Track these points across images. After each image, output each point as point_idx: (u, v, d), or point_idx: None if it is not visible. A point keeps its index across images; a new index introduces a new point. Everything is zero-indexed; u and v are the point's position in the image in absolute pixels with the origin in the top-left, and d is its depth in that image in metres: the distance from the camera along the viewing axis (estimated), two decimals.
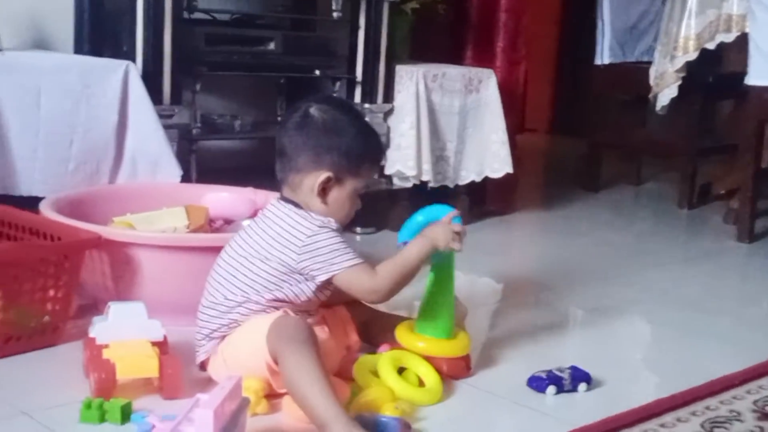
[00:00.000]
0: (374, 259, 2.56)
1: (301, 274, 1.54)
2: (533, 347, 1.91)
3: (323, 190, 1.57)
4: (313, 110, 1.58)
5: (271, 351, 1.45)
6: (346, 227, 2.72)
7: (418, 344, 1.66)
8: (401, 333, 1.69)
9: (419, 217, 1.70)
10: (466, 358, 1.71)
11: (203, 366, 1.59)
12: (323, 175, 1.56)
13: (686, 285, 2.63)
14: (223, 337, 1.56)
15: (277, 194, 1.64)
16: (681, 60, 3.36)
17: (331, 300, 1.70)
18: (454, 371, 1.68)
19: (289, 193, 1.59)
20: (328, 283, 1.56)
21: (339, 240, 1.55)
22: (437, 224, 1.63)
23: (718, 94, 3.79)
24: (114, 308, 1.56)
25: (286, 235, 1.54)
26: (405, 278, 1.58)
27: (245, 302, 1.54)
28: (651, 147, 4.25)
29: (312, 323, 1.58)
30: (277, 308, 1.54)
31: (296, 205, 1.58)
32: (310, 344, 1.43)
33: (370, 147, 1.62)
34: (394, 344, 1.69)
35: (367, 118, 2.73)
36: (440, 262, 1.67)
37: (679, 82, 3.42)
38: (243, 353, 1.50)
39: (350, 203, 1.61)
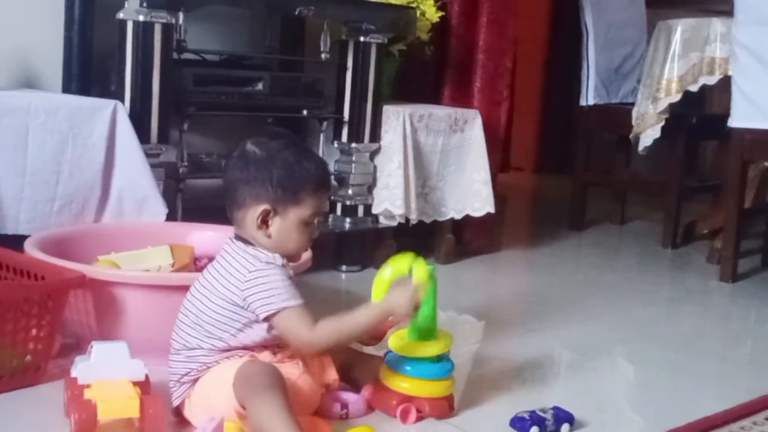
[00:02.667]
0: (359, 298, 2.59)
1: (250, 311, 1.54)
2: (516, 387, 1.92)
3: (264, 223, 1.58)
4: (249, 146, 1.60)
5: (238, 399, 1.46)
6: (331, 265, 2.79)
7: (402, 384, 1.67)
8: (385, 372, 1.70)
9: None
10: (449, 398, 1.72)
11: (178, 411, 1.59)
12: (260, 208, 1.57)
13: (670, 325, 2.64)
14: (195, 380, 1.56)
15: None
16: (664, 102, 3.40)
17: None
18: (437, 411, 1.68)
19: (238, 230, 1.61)
20: (267, 321, 1.55)
21: (281, 278, 1.54)
22: (401, 290, 1.60)
23: (701, 134, 3.84)
24: (96, 348, 1.56)
25: (232, 272, 1.56)
26: (346, 340, 1.59)
27: (204, 345, 1.55)
28: (636, 186, 4.29)
29: (282, 358, 1.60)
30: (242, 346, 1.55)
31: (246, 242, 1.59)
32: (277, 389, 1.43)
33: (306, 174, 1.58)
34: (377, 385, 1.69)
35: (353, 158, 2.81)
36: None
37: (662, 123, 3.45)
38: (213, 399, 1.51)
39: (298, 233, 1.59)
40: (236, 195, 1.59)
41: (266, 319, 1.54)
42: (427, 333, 1.70)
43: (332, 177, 2.87)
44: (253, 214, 1.57)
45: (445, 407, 1.70)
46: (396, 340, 1.71)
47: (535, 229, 4.17)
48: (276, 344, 1.61)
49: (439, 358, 1.71)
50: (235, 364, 1.51)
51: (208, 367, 1.55)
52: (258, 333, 1.56)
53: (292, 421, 1.40)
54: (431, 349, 1.69)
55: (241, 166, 1.59)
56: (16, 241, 1.97)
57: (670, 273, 3.44)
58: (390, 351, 1.72)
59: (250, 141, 1.60)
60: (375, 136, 2.85)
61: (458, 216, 3.04)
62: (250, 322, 1.55)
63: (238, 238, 1.61)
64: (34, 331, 1.68)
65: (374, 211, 2.86)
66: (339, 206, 2.85)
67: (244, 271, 1.55)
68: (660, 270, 3.42)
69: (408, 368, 1.68)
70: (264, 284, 1.53)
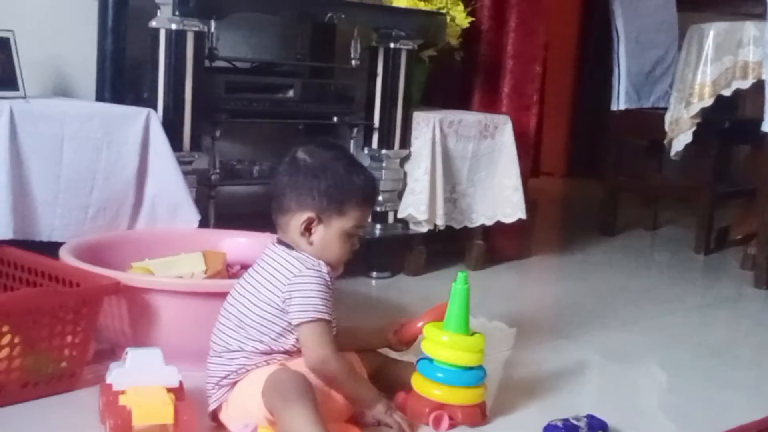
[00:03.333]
0: (389, 304, 2.59)
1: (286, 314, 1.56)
2: (549, 394, 1.91)
3: (307, 231, 1.59)
4: (300, 153, 1.61)
5: (267, 407, 1.46)
6: (361, 271, 2.79)
7: (434, 391, 1.67)
8: (416, 379, 1.70)
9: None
10: (481, 406, 1.71)
11: (214, 415, 1.60)
12: (305, 216, 1.58)
13: (704, 331, 2.62)
14: (233, 384, 1.57)
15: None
16: (697, 106, 3.37)
17: (342, 346, 1.71)
18: (469, 419, 1.68)
19: (282, 235, 1.63)
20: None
21: (322, 288, 1.56)
22: (385, 407, 1.61)
23: (734, 139, 3.80)
24: (131, 354, 1.57)
25: (276, 275, 1.58)
26: (337, 387, 1.57)
27: (246, 347, 1.56)
28: (668, 191, 4.26)
29: None
30: (282, 349, 1.56)
31: (289, 246, 1.60)
32: (306, 398, 1.44)
33: (354, 187, 1.60)
34: (409, 392, 1.69)
35: (383, 164, 2.81)
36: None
37: (695, 128, 3.42)
38: (248, 404, 1.51)
39: (339, 244, 1.61)
40: (283, 200, 1.60)
41: (297, 325, 1.55)
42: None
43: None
44: (297, 220, 1.59)
45: (478, 415, 1.69)
46: (429, 344, 1.70)
47: (565, 235, 4.15)
48: None
49: (472, 366, 1.70)
50: (266, 371, 1.51)
51: (247, 371, 1.56)
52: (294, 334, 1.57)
53: (321, 429, 1.40)
54: (466, 359, 1.68)
55: (291, 172, 1.60)
56: (50, 248, 1.99)
57: (703, 279, 3.41)
58: (422, 357, 1.71)
59: (301, 149, 1.62)
60: (405, 143, 2.85)
61: (489, 222, 3.03)
62: (291, 326, 1.56)
63: (281, 242, 1.62)
64: (69, 338, 1.69)
65: (399, 215, 2.86)
66: None
67: (289, 275, 1.56)
68: (693, 276, 3.39)
69: (440, 375, 1.67)
70: (305, 290, 1.55)
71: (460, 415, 1.66)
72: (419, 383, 1.69)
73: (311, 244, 1.59)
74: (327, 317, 1.55)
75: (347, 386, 1.57)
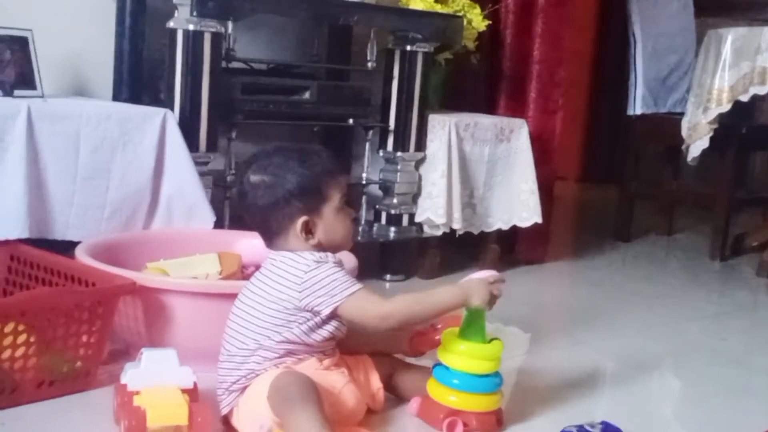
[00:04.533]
0: None
1: (308, 311, 1.55)
2: (564, 401, 1.90)
3: (309, 233, 1.59)
4: (252, 177, 1.60)
5: (273, 411, 1.46)
6: (376, 274, 2.78)
7: (449, 398, 1.65)
8: (432, 385, 1.69)
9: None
10: (497, 413, 1.70)
11: (226, 419, 1.59)
12: (299, 222, 1.58)
13: (719, 339, 2.60)
14: (243, 389, 1.56)
15: None
16: (714, 112, 3.35)
17: (355, 348, 1.71)
18: (484, 426, 1.66)
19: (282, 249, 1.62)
20: (334, 316, 1.56)
21: (337, 270, 1.56)
22: (478, 280, 1.62)
23: (751, 145, 3.78)
24: (146, 355, 1.57)
25: (286, 276, 1.57)
26: (420, 317, 1.60)
27: (258, 350, 1.56)
28: (684, 197, 4.23)
29: (329, 365, 1.60)
30: (291, 352, 1.56)
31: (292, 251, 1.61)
32: (309, 401, 1.43)
33: (318, 170, 1.60)
34: (424, 398, 1.69)
35: (398, 166, 2.80)
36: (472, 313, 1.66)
37: (711, 134, 3.40)
38: (259, 408, 1.50)
39: (339, 223, 1.62)
40: (270, 223, 1.60)
41: (332, 314, 1.55)
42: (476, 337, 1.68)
43: (374, 184, 2.88)
44: (294, 230, 1.59)
45: (493, 422, 1.68)
46: (445, 353, 1.68)
47: (580, 240, 4.13)
48: (322, 351, 1.61)
49: (488, 373, 1.68)
50: (275, 374, 1.51)
51: (257, 375, 1.56)
52: (313, 330, 1.56)
53: (326, 430, 1.40)
54: (483, 367, 1.66)
55: (257, 196, 1.59)
56: (65, 247, 2.00)
57: (719, 286, 3.38)
58: (438, 364, 1.70)
59: (250, 173, 1.60)
60: (420, 145, 2.84)
61: (506, 226, 3.02)
62: (306, 321, 1.55)
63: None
64: (84, 337, 1.70)
65: (417, 219, 2.86)
66: (384, 215, 2.85)
67: (300, 274, 1.56)
68: (708, 283, 3.37)
69: (456, 382, 1.66)
70: (321, 282, 1.54)
71: (475, 421, 1.65)
72: (434, 389, 1.68)
73: (318, 241, 1.60)
74: (355, 287, 1.54)
75: (429, 311, 1.58)
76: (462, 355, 1.65)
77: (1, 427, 1.55)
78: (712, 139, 3.42)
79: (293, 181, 1.58)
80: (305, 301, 1.54)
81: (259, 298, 1.59)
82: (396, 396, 1.74)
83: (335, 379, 1.59)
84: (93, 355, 1.72)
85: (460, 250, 3.03)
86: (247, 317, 1.59)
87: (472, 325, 1.66)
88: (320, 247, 1.60)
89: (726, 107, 3.35)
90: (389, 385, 1.74)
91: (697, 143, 3.43)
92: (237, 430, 1.57)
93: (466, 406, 1.65)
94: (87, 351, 1.71)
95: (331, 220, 1.61)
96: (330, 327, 1.58)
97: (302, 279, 1.55)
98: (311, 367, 1.57)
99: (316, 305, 1.54)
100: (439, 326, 1.78)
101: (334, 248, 1.63)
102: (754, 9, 4.86)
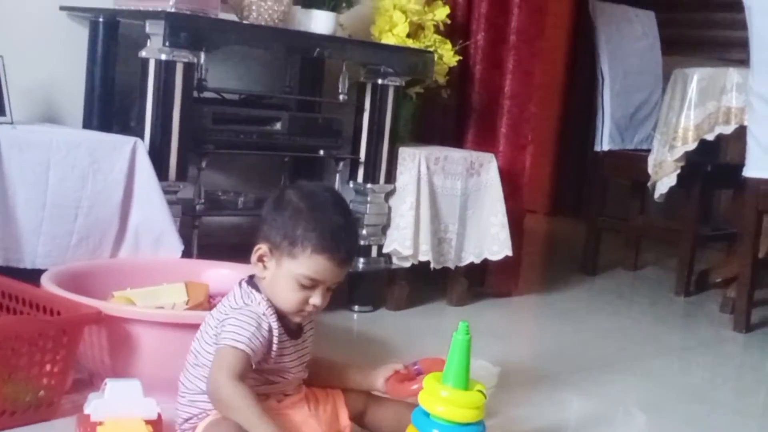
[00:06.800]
0: (370, 338, 2.58)
1: None
2: None
3: (260, 261, 1.57)
4: (287, 191, 1.59)
5: None
6: (343, 305, 2.78)
7: None
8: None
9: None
10: None
11: None
12: (259, 245, 1.57)
13: (684, 375, 2.63)
14: (194, 428, 1.55)
15: None
16: (680, 150, 3.40)
17: (326, 382, 1.70)
18: None
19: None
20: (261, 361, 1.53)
21: (249, 322, 1.51)
22: None
23: (716, 183, 3.83)
24: (110, 385, 1.56)
25: (220, 308, 1.58)
26: (229, 414, 1.45)
27: (202, 393, 1.53)
28: (650, 232, 4.28)
29: (290, 404, 1.59)
30: None
31: (250, 284, 1.60)
32: None
33: (308, 233, 1.52)
34: None
35: (368, 198, 2.82)
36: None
37: (678, 171, 3.45)
38: None
39: (288, 289, 1.54)
40: (258, 230, 1.59)
41: (215, 352, 1.51)
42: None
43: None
44: (254, 249, 1.58)
45: None
46: (427, 397, 1.58)
47: (548, 273, 4.16)
48: (282, 391, 1.60)
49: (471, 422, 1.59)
50: (203, 424, 1.50)
51: (207, 415, 1.54)
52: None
53: None
54: (465, 415, 1.57)
55: (267, 204, 1.60)
56: (32, 275, 1.98)
57: (683, 321, 3.42)
58: (418, 408, 1.60)
59: (290, 188, 1.60)
60: (390, 177, 2.86)
61: (477, 260, 3.03)
62: None
63: (250, 278, 1.62)
64: (48, 366, 1.68)
65: (384, 250, 2.87)
66: None
67: (227, 309, 1.56)
68: (673, 318, 3.40)
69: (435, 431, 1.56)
70: (233, 321, 1.52)
71: None
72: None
73: (264, 278, 1.57)
74: (243, 348, 1.48)
75: (240, 417, 1.43)
76: (443, 402, 1.56)
77: None
78: (678, 176, 3.47)
79: (285, 216, 1.54)
80: (219, 335, 1.52)
81: (203, 333, 1.58)
82: None
83: (294, 417, 1.57)
84: (56, 384, 1.70)
85: (428, 282, 3.04)
86: (194, 351, 1.58)
87: (456, 369, 1.58)
88: (265, 287, 1.57)
89: (692, 146, 3.40)
90: (362, 421, 1.71)
91: (664, 180, 3.48)
92: None
93: None
94: (50, 380, 1.69)
95: (281, 277, 1.54)
96: (257, 375, 1.53)
97: (226, 314, 1.54)
98: (270, 409, 1.51)
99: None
100: (417, 367, 1.71)
101: (274, 302, 1.56)
102: (720, 49, 4.96)
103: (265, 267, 1.56)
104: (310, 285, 1.54)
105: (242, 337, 1.49)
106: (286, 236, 1.53)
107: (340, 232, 1.55)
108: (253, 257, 1.57)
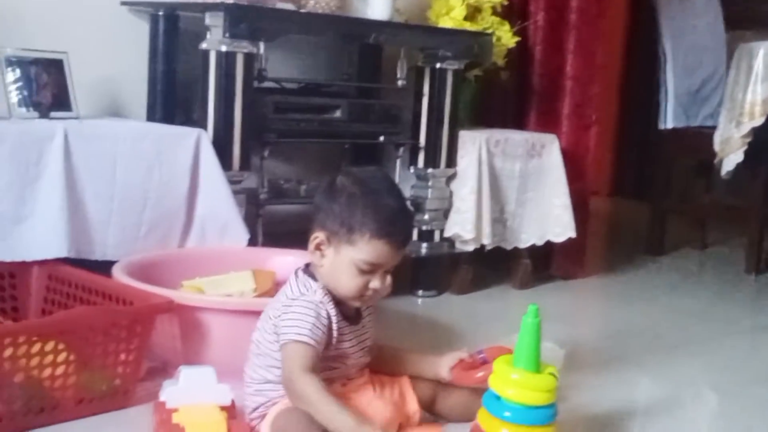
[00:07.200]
0: (434, 323, 2.58)
1: None
2: (599, 417, 1.89)
3: (317, 250, 1.57)
4: (339, 177, 1.59)
5: None
6: (407, 290, 2.78)
7: (501, 430, 1.56)
8: (482, 416, 1.60)
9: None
10: None
11: None
12: (315, 233, 1.57)
13: (756, 355, 2.57)
14: (263, 416, 1.56)
15: None
16: (747, 126, 3.32)
17: (392, 370, 1.71)
18: None
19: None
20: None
21: (308, 313, 1.52)
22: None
23: None
24: (185, 372, 1.59)
25: (278, 298, 1.60)
26: (308, 410, 1.46)
27: (271, 375, 1.56)
28: (717, 212, 4.20)
29: (355, 388, 1.61)
30: None
31: (307, 272, 1.61)
32: None
33: (367, 219, 1.52)
34: (475, 426, 1.62)
35: (429, 183, 2.81)
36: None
37: (745, 147, 3.38)
38: None
39: (348, 275, 1.55)
40: (314, 218, 1.60)
41: (281, 346, 1.53)
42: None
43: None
44: (311, 237, 1.58)
45: None
46: (498, 381, 1.59)
47: (613, 255, 4.11)
48: (345, 376, 1.61)
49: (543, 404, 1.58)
50: (276, 409, 1.52)
51: (275, 403, 1.55)
52: None
53: None
54: (536, 398, 1.56)
55: (322, 191, 1.60)
56: (101, 266, 2.02)
57: (755, 300, 3.35)
58: (488, 391, 1.60)
59: (342, 174, 1.60)
60: (451, 162, 2.85)
61: (540, 242, 3.01)
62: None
63: (306, 267, 1.63)
64: (122, 356, 1.71)
65: (446, 234, 2.86)
66: (415, 231, 2.86)
67: (285, 299, 1.57)
68: (744, 297, 3.33)
69: (507, 414, 1.56)
70: (292, 314, 1.53)
71: None
72: (485, 420, 1.59)
73: (322, 266, 1.57)
74: (307, 340, 1.50)
75: (317, 411, 1.45)
76: (514, 385, 1.56)
77: None
78: (745, 152, 3.39)
79: (342, 204, 1.55)
80: (278, 326, 1.54)
81: (263, 322, 1.60)
82: (442, 419, 1.72)
83: (359, 400, 1.58)
84: (131, 372, 1.74)
85: (492, 265, 3.03)
86: (254, 347, 1.60)
87: (527, 352, 1.57)
88: (323, 275, 1.58)
89: (759, 121, 3.32)
90: (432, 408, 1.71)
91: (731, 157, 3.40)
92: None
93: None
94: (125, 369, 1.72)
95: (341, 264, 1.55)
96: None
97: (283, 304, 1.56)
98: (335, 394, 1.51)
99: (280, 335, 1.53)
100: (482, 355, 1.71)
101: (332, 289, 1.58)
102: None
103: (323, 255, 1.57)
104: (370, 270, 1.55)
105: (304, 329, 1.51)
106: (344, 223, 1.54)
107: (397, 216, 1.57)
108: (311, 246, 1.58)
